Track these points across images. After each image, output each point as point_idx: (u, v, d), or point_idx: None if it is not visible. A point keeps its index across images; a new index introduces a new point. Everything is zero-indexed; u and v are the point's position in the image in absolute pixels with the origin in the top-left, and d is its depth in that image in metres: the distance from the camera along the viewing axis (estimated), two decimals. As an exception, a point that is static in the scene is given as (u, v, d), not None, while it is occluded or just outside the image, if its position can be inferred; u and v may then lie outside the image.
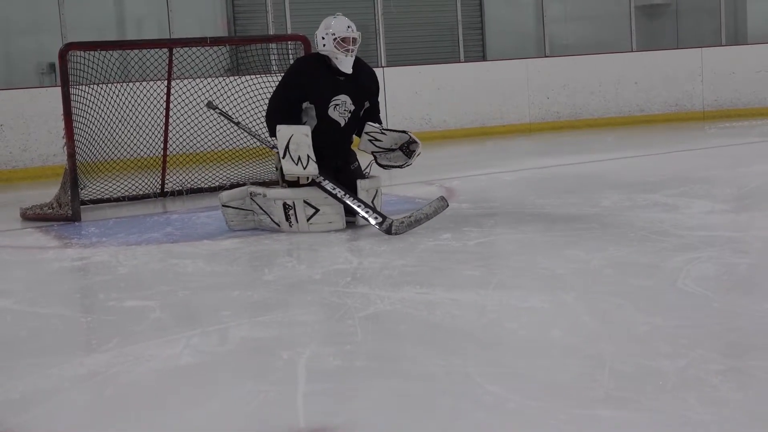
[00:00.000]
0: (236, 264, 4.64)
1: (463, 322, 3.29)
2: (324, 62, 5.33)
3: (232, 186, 6.70)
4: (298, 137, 5.12)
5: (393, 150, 5.43)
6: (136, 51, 7.58)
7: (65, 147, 6.40)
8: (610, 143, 10.01)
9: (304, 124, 5.30)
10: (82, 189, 6.48)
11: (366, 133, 5.39)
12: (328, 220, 5.18)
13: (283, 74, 5.68)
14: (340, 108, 5.35)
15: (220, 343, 3.19)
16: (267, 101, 5.55)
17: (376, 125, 5.40)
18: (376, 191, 5.39)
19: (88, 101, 6.75)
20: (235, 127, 5.98)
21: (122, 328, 3.44)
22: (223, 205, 5.38)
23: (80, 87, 6.65)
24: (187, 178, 7.40)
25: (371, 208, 5.08)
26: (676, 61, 12.05)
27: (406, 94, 11.01)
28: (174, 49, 7.15)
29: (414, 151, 5.39)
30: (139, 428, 2.49)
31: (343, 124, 5.40)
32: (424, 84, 11.19)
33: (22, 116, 9.25)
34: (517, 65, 11.70)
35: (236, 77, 7.67)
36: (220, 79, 7.58)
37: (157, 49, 7.40)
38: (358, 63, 5.38)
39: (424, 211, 5.08)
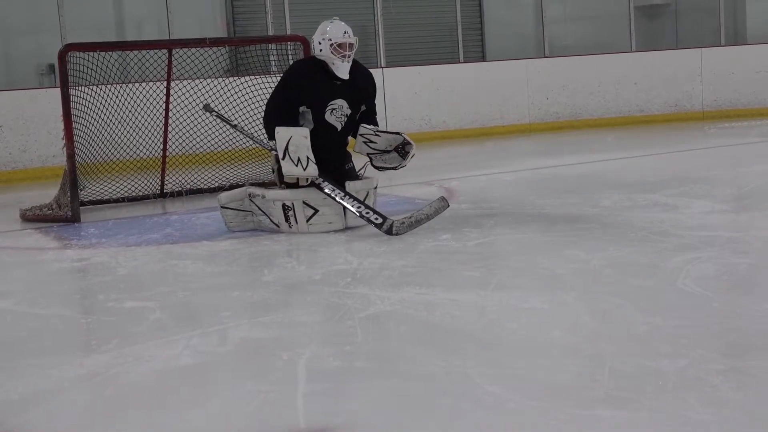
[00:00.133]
0: (236, 265, 4.64)
1: (462, 323, 3.29)
2: (321, 66, 5.32)
3: (232, 187, 6.70)
4: (297, 139, 5.12)
5: (388, 152, 5.41)
6: (136, 52, 7.58)
7: (65, 148, 6.40)
8: (610, 143, 10.01)
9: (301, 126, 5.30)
10: (81, 190, 6.48)
11: (360, 135, 5.39)
12: (328, 220, 5.18)
13: (282, 75, 5.68)
14: (337, 112, 5.35)
15: (219, 343, 3.19)
16: (266, 102, 5.55)
17: (370, 127, 5.39)
18: (367, 193, 5.37)
19: (87, 102, 6.75)
20: (233, 130, 5.97)
21: (122, 328, 3.44)
22: (221, 207, 5.38)
23: (80, 88, 6.65)
24: (186, 179, 7.39)
25: (371, 210, 5.08)
26: (675, 62, 12.05)
27: (406, 94, 11.01)
28: (173, 50, 7.15)
29: (408, 152, 5.37)
30: (139, 429, 2.49)
31: (339, 128, 5.40)
32: (424, 85, 11.18)
33: (22, 117, 9.25)
34: (516, 66, 11.70)
35: (236, 78, 7.67)
36: (220, 79, 7.58)
37: (156, 50, 7.40)
38: (355, 66, 5.37)
39: (424, 211, 5.08)
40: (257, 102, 7.18)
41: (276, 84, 5.62)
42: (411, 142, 5.36)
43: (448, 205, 5.21)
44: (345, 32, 5.29)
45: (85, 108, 6.72)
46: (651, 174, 6.96)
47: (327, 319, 3.49)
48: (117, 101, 7.14)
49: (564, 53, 12.41)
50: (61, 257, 5.09)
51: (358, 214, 5.05)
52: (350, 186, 5.26)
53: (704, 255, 4.12)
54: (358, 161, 5.55)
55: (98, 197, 6.93)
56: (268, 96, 6.60)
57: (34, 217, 6.35)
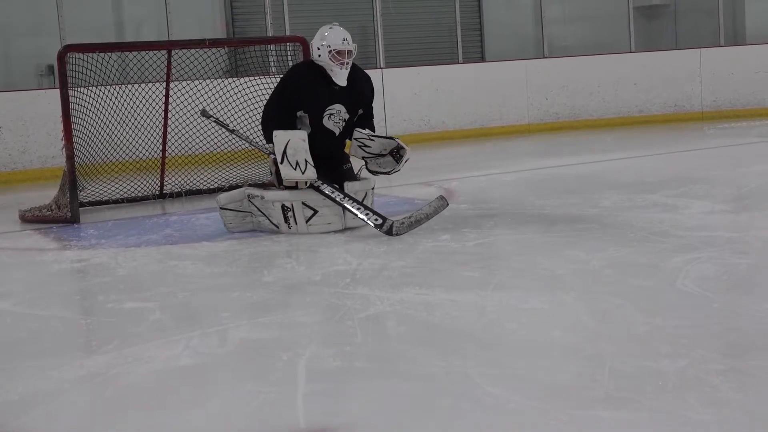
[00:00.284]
0: (235, 265, 4.63)
1: (462, 323, 3.29)
2: (319, 71, 5.31)
3: (231, 188, 6.70)
4: (295, 142, 5.11)
5: (383, 155, 5.39)
6: (135, 53, 7.57)
7: (64, 149, 6.39)
8: (610, 144, 10.01)
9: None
10: (81, 191, 6.47)
11: (355, 139, 5.37)
12: (327, 221, 5.18)
13: (280, 78, 5.68)
14: (335, 117, 5.35)
15: (219, 344, 3.19)
16: (264, 106, 5.55)
17: (365, 131, 5.37)
18: (366, 194, 5.37)
19: (86, 103, 6.75)
20: (231, 135, 5.95)
21: (122, 329, 3.44)
22: (221, 208, 5.38)
23: (79, 89, 6.64)
24: (185, 179, 7.39)
25: (371, 210, 5.08)
26: (675, 62, 12.05)
27: (405, 95, 11.01)
28: (173, 51, 7.15)
29: (402, 156, 5.34)
30: (139, 429, 2.49)
31: (337, 133, 5.40)
32: (423, 85, 11.18)
33: (21, 118, 9.25)
34: (516, 66, 11.70)
35: (235, 79, 7.67)
36: (219, 80, 7.58)
37: (155, 51, 7.39)
38: (353, 70, 5.36)
39: (424, 211, 5.08)
40: (257, 103, 7.18)
41: (275, 86, 5.62)
42: (405, 146, 5.33)
43: (448, 204, 5.21)
44: (344, 39, 5.27)
45: (85, 109, 6.72)
46: (650, 174, 6.96)
47: (327, 320, 3.49)
48: (116, 102, 7.14)
49: (563, 54, 12.42)
50: (60, 258, 5.09)
51: (357, 215, 5.05)
52: (348, 187, 5.26)
53: (704, 255, 4.12)
54: (356, 163, 5.55)
55: (98, 198, 6.93)
56: (267, 97, 6.59)
57: (33, 218, 6.35)
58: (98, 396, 2.76)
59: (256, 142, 5.81)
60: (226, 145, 7.15)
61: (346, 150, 5.55)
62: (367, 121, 5.48)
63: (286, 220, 5.20)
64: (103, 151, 6.98)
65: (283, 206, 5.18)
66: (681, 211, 5.29)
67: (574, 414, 2.37)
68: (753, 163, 7.39)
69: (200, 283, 4.20)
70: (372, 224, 4.99)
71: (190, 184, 7.36)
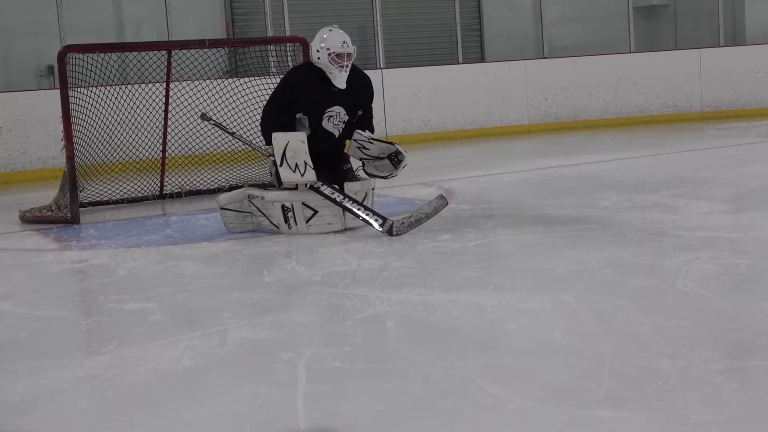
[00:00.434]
0: (235, 266, 4.64)
1: (462, 324, 3.29)
2: (318, 73, 5.31)
3: (231, 188, 6.70)
4: (294, 144, 5.11)
5: (381, 158, 5.38)
6: (135, 53, 7.58)
7: (64, 149, 6.39)
8: (609, 144, 10.01)
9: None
10: (81, 191, 6.47)
11: (354, 140, 5.37)
12: (327, 221, 5.18)
13: (281, 77, 5.68)
14: (335, 119, 5.35)
15: (220, 344, 3.19)
16: (263, 107, 5.54)
17: (365, 134, 5.35)
18: (366, 194, 5.37)
19: (86, 104, 6.75)
20: (231, 137, 5.95)
21: (122, 330, 3.44)
22: (221, 208, 5.38)
23: (79, 89, 6.64)
24: (185, 180, 7.39)
25: (371, 211, 5.08)
26: (674, 62, 12.05)
27: (405, 95, 11.01)
28: (172, 52, 7.15)
29: (401, 161, 5.33)
30: (139, 430, 2.49)
31: (337, 135, 5.40)
32: (423, 85, 11.18)
33: (21, 119, 9.25)
34: (515, 66, 11.69)
35: (235, 79, 7.67)
36: (219, 81, 7.58)
37: (155, 52, 7.39)
38: (352, 71, 5.35)
39: (424, 210, 5.09)
40: (257, 103, 7.17)
41: (274, 87, 5.62)
42: (403, 152, 5.31)
43: (447, 203, 5.21)
44: (344, 42, 5.25)
45: (85, 109, 6.72)
46: (650, 175, 6.96)
47: (327, 320, 3.49)
48: (116, 102, 7.14)
49: (563, 54, 12.41)
50: (60, 259, 5.09)
51: (357, 215, 5.05)
52: (348, 187, 5.26)
53: (704, 255, 4.12)
54: (354, 163, 5.55)
55: (98, 198, 6.93)
56: (267, 97, 6.58)
57: (33, 219, 6.35)
58: (98, 396, 2.76)
59: (256, 145, 5.81)
60: (226, 146, 7.14)
61: (346, 150, 5.55)
62: (366, 122, 5.48)
63: (286, 220, 5.20)
64: (103, 151, 6.98)
65: (283, 206, 5.19)
66: (681, 211, 5.29)
67: (574, 414, 2.37)
68: (752, 163, 7.39)
69: (200, 283, 4.20)
70: (372, 224, 4.99)
71: (190, 185, 7.36)
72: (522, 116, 11.60)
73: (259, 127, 5.59)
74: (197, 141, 7.47)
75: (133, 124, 7.34)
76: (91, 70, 6.73)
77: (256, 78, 7.32)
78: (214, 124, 5.87)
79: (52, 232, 5.94)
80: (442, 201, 5.17)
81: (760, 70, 11.99)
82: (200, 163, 7.64)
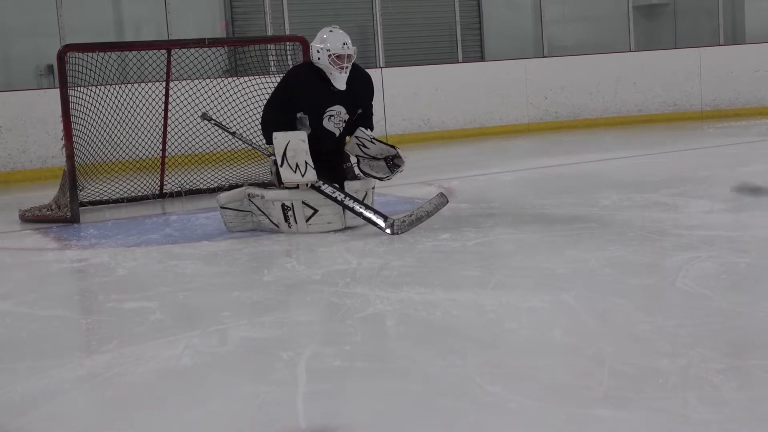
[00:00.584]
0: (235, 265, 4.64)
1: (462, 323, 3.29)
2: (318, 72, 5.29)
3: (231, 187, 6.70)
4: (295, 143, 5.11)
5: (377, 159, 5.38)
6: (135, 52, 7.58)
7: (64, 148, 6.39)
8: (609, 143, 10.01)
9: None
10: (80, 190, 6.47)
11: (356, 137, 5.36)
12: (327, 220, 5.18)
13: (281, 77, 5.67)
14: (335, 118, 5.34)
15: (220, 343, 3.19)
16: (264, 107, 5.54)
17: (369, 133, 5.35)
18: (366, 193, 5.37)
19: (86, 103, 6.75)
20: (232, 137, 5.94)
21: (122, 329, 3.44)
22: (221, 207, 5.38)
23: (79, 89, 6.64)
24: (185, 179, 7.39)
25: (372, 209, 5.08)
26: (674, 61, 12.04)
27: (405, 95, 11.00)
28: (172, 51, 7.15)
29: (398, 165, 5.32)
30: (139, 429, 2.49)
31: (338, 134, 5.39)
32: (423, 85, 11.18)
33: (21, 118, 9.24)
34: (515, 66, 11.69)
35: (235, 78, 7.67)
36: (219, 80, 7.58)
37: (155, 51, 7.40)
38: (353, 70, 5.33)
39: (424, 208, 5.09)
40: (256, 102, 7.18)
41: (274, 86, 5.61)
42: (403, 157, 5.30)
43: (447, 201, 5.21)
44: (344, 43, 5.23)
45: (85, 109, 6.72)
46: (650, 173, 6.96)
47: (327, 319, 3.49)
48: (116, 102, 7.14)
49: (563, 53, 12.41)
50: (60, 258, 5.09)
51: (358, 214, 5.05)
52: (349, 186, 5.26)
53: (704, 254, 4.12)
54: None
55: (97, 198, 6.93)
56: (267, 97, 6.57)
57: (33, 218, 6.35)
58: (98, 396, 2.76)
59: (257, 144, 5.81)
60: (225, 145, 7.14)
61: (345, 148, 5.55)
62: (366, 120, 5.47)
63: (286, 219, 5.20)
64: (103, 150, 6.98)
65: (283, 205, 5.19)
66: (681, 210, 5.29)
67: (573, 413, 2.37)
68: (752, 162, 7.39)
69: (200, 282, 4.20)
70: (373, 223, 5.00)
71: (190, 184, 7.36)
72: (522, 115, 11.60)
73: (260, 127, 5.58)
74: (197, 140, 7.47)
75: (132, 123, 7.34)
76: (90, 70, 6.73)
77: (255, 77, 7.32)
78: (214, 124, 5.87)
79: (52, 231, 5.94)
80: (443, 199, 5.17)
81: (759, 69, 11.98)
82: (200, 162, 7.64)
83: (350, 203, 5.09)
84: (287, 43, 7.71)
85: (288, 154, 5.09)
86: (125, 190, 7.08)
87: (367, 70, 5.69)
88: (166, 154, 7.33)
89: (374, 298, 3.66)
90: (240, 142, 5.87)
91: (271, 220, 5.27)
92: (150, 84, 7.38)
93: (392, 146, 5.36)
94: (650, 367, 2.65)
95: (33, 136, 9.25)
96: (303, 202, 5.15)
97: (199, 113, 6.20)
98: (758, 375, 2.59)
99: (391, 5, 11.89)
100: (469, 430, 2.33)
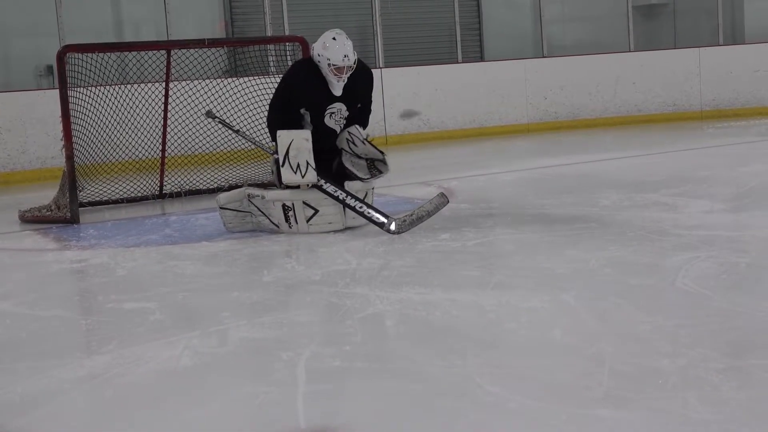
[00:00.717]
0: (235, 265, 4.63)
1: (462, 323, 3.29)
2: (318, 71, 5.28)
3: (231, 187, 6.70)
4: (298, 142, 5.11)
5: (361, 158, 5.36)
6: (134, 53, 7.57)
7: (63, 149, 6.39)
8: (609, 143, 10.01)
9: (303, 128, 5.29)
10: (80, 191, 6.47)
11: (349, 132, 5.34)
12: (328, 221, 5.18)
13: (281, 76, 5.67)
14: (336, 116, 5.34)
15: (219, 344, 3.19)
16: (266, 102, 5.54)
17: (362, 132, 5.33)
18: (366, 193, 5.37)
19: (86, 103, 6.74)
20: (236, 135, 5.93)
21: (122, 329, 3.44)
22: (220, 208, 5.37)
23: (78, 89, 6.64)
24: (185, 179, 7.39)
25: (373, 209, 5.07)
26: (674, 61, 12.05)
27: (405, 95, 11.01)
28: (172, 51, 7.15)
29: (381, 171, 5.30)
30: (139, 429, 2.49)
31: (339, 131, 5.38)
32: (422, 85, 11.18)
33: (20, 119, 9.24)
34: (515, 66, 11.69)
35: (234, 79, 7.67)
36: (218, 80, 7.58)
37: (154, 51, 7.39)
38: (356, 67, 5.33)
39: (425, 208, 5.09)
40: (256, 103, 7.18)
41: (276, 86, 5.60)
42: (387, 164, 5.27)
43: (448, 201, 5.20)
44: (345, 56, 5.14)
45: (84, 109, 6.72)
46: (650, 174, 6.96)
47: (327, 320, 3.49)
48: (116, 102, 7.14)
49: (562, 53, 12.42)
50: (60, 258, 5.09)
51: (360, 213, 5.05)
52: (349, 186, 5.25)
53: (703, 254, 4.12)
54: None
55: (97, 198, 6.93)
56: (266, 96, 6.57)
57: (33, 219, 6.35)
58: (98, 396, 2.76)
59: (261, 143, 5.80)
60: (225, 145, 7.15)
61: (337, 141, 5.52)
62: (362, 116, 5.46)
63: (287, 219, 5.20)
64: (103, 151, 6.98)
65: (283, 205, 5.19)
66: (680, 210, 5.29)
67: (573, 413, 2.37)
68: (752, 162, 7.39)
69: (200, 283, 4.20)
70: (375, 222, 5.00)
71: (190, 184, 7.36)
72: (521, 115, 11.61)
73: (261, 125, 5.57)
74: (196, 140, 7.47)
75: (132, 123, 7.34)
76: (90, 70, 6.73)
77: (255, 77, 7.32)
78: (219, 122, 5.86)
79: (52, 231, 5.93)
80: (443, 198, 5.17)
81: (759, 69, 11.98)
82: (199, 162, 7.64)
83: (352, 202, 5.09)
84: (287, 43, 7.70)
85: (291, 153, 5.09)
86: (125, 190, 7.08)
87: (368, 68, 5.66)
88: (166, 155, 7.33)
89: (374, 298, 3.66)
90: (243, 142, 5.86)
91: (271, 221, 5.26)
92: (149, 84, 7.38)
93: (381, 152, 5.34)
94: (650, 367, 2.65)
95: (32, 137, 9.25)
96: (304, 202, 5.15)
97: (204, 111, 6.19)
98: (758, 375, 2.59)
99: (391, 5, 11.89)
100: (469, 430, 2.33)
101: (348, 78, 5.26)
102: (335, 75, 5.20)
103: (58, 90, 6.44)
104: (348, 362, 2.89)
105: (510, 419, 2.37)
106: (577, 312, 3.33)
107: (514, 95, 11.56)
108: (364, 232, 5.08)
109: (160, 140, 7.29)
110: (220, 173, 7.40)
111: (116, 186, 7.06)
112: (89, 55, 6.76)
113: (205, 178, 7.40)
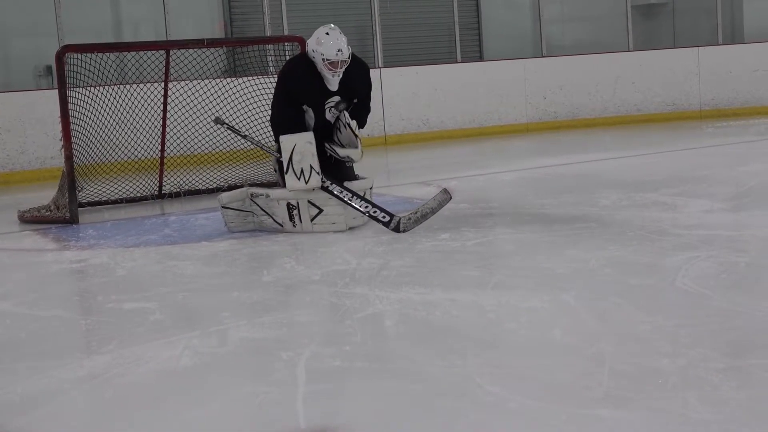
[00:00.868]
0: (235, 265, 4.63)
1: (462, 323, 3.29)
2: (313, 66, 5.28)
3: (230, 187, 6.70)
4: (301, 146, 5.10)
5: (341, 145, 5.36)
6: (133, 53, 7.57)
7: (63, 149, 6.39)
8: (608, 143, 10.01)
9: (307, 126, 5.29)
10: (79, 191, 6.47)
11: (339, 120, 5.32)
12: (332, 221, 5.18)
13: (278, 75, 5.67)
14: (335, 110, 5.34)
15: (219, 344, 3.19)
16: (265, 102, 5.54)
17: (353, 123, 5.32)
18: (364, 193, 5.36)
19: (85, 103, 6.74)
20: (245, 140, 5.91)
21: (121, 329, 3.44)
22: (222, 207, 5.37)
23: (77, 89, 6.64)
24: (184, 179, 7.39)
25: (378, 208, 5.07)
26: (673, 61, 12.05)
27: (404, 95, 11.01)
28: (171, 51, 7.14)
29: (351, 159, 5.29)
30: (139, 429, 2.49)
31: None
32: (422, 85, 11.18)
33: (20, 119, 9.24)
34: (514, 65, 11.69)
35: (233, 79, 7.67)
36: (218, 80, 7.57)
37: (154, 51, 7.39)
38: (351, 61, 5.33)
39: (429, 205, 5.09)
40: (255, 102, 7.18)
41: (275, 85, 5.60)
42: (355, 158, 5.28)
43: (451, 197, 5.19)
44: (339, 50, 5.17)
45: (83, 109, 6.72)
46: (649, 173, 6.96)
47: (326, 320, 3.49)
48: (115, 102, 7.14)
49: (562, 53, 12.41)
50: (59, 258, 5.09)
51: (365, 213, 5.05)
52: (348, 186, 5.25)
53: (703, 254, 4.12)
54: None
55: (96, 198, 6.93)
56: (266, 96, 6.56)
57: (32, 219, 6.34)
58: (98, 396, 2.76)
59: (268, 147, 5.78)
60: (224, 145, 7.15)
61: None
62: (360, 113, 5.46)
63: (291, 218, 5.20)
64: (102, 151, 6.98)
65: (288, 204, 5.19)
66: (680, 209, 5.29)
67: (573, 413, 2.37)
68: (751, 161, 7.40)
69: (200, 283, 4.20)
70: (379, 221, 5.00)
71: (189, 184, 7.35)
72: (521, 115, 11.61)
73: (263, 125, 5.57)
74: (196, 141, 7.47)
75: (131, 123, 7.33)
76: (89, 70, 6.73)
77: (254, 77, 7.32)
78: (227, 128, 5.83)
79: (51, 232, 5.93)
80: (446, 195, 5.15)
81: (758, 69, 11.98)
82: (199, 162, 7.64)
83: (357, 202, 5.09)
84: (286, 43, 7.70)
85: (294, 158, 5.09)
86: (124, 190, 7.08)
87: (364, 63, 5.65)
88: (165, 155, 7.33)
89: (374, 298, 3.66)
90: (242, 142, 5.85)
91: (274, 220, 5.26)
92: (149, 84, 7.38)
93: (357, 136, 5.29)
94: (650, 367, 2.65)
95: (32, 137, 9.25)
96: (309, 202, 5.15)
97: (212, 118, 6.17)
98: (758, 375, 2.59)
99: (390, 5, 11.89)
100: (469, 430, 2.33)
101: (343, 73, 5.27)
102: (330, 70, 5.21)
103: (57, 90, 6.44)
104: (348, 362, 2.89)
105: (510, 419, 2.37)
106: (577, 312, 3.33)
107: (514, 95, 11.56)
108: (364, 233, 5.08)
109: (160, 140, 7.29)
110: (219, 173, 7.40)
111: (115, 186, 7.06)
112: (88, 55, 6.76)
113: (204, 178, 7.39)
